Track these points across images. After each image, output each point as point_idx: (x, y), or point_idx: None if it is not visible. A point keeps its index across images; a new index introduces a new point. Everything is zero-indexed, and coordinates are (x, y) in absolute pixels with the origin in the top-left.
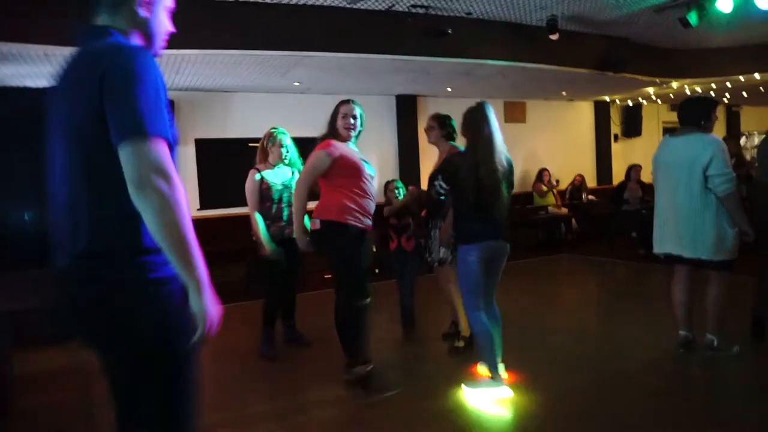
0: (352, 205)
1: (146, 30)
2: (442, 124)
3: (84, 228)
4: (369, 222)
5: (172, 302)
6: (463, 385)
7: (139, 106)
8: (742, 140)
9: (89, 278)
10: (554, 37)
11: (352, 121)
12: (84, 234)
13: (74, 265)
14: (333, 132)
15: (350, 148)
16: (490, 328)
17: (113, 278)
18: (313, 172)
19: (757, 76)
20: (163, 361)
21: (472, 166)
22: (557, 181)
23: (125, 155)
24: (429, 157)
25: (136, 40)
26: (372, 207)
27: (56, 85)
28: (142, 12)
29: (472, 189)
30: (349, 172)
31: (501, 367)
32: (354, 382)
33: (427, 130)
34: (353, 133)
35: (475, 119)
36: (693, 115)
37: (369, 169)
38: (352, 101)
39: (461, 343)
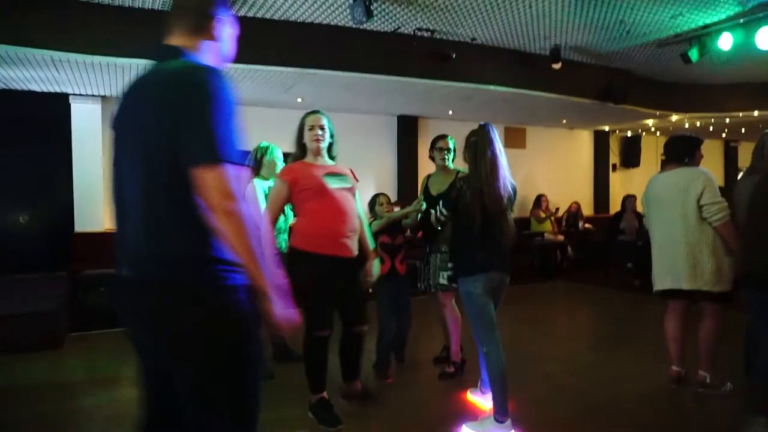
0: (315, 231)
1: (216, 53)
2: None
3: (161, 238)
4: (348, 244)
5: (241, 308)
6: (464, 426)
7: (213, 132)
8: (740, 176)
9: (163, 286)
10: (557, 66)
11: (319, 132)
12: (160, 243)
13: (147, 273)
14: (302, 148)
15: (316, 165)
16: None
17: (187, 285)
18: (272, 203)
19: (755, 113)
20: (233, 365)
21: (477, 191)
22: (557, 209)
23: (198, 179)
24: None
25: (207, 61)
26: (350, 226)
27: (127, 100)
28: (215, 36)
29: (477, 216)
30: (310, 194)
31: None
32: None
33: (448, 151)
34: (323, 145)
35: (478, 142)
36: (678, 153)
37: (338, 183)
38: (318, 111)
39: (451, 369)
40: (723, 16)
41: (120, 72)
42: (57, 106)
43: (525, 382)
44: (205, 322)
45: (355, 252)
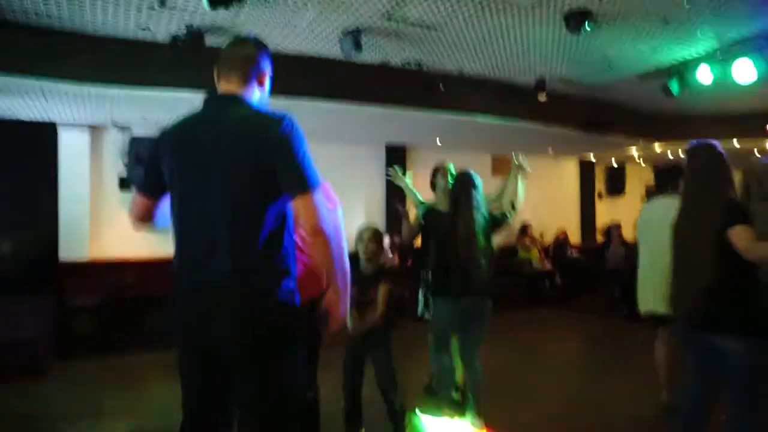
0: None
1: (263, 99)
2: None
3: (246, 254)
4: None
5: (302, 316)
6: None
7: (305, 168)
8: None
9: (246, 295)
10: (542, 97)
11: None
12: (246, 259)
13: (231, 284)
14: None
15: None
16: (449, 371)
17: (266, 294)
18: None
19: (735, 143)
20: (297, 370)
21: (450, 216)
22: (541, 237)
23: (301, 206)
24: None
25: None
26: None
27: (199, 140)
28: (264, 84)
29: (448, 239)
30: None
31: (476, 421)
32: None
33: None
34: None
35: (456, 189)
36: (662, 182)
37: None
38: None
39: (457, 396)
40: (701, 51)
41: (109, 102)
42: (45, 135)
43: (516, 410)
44: (281, 326)
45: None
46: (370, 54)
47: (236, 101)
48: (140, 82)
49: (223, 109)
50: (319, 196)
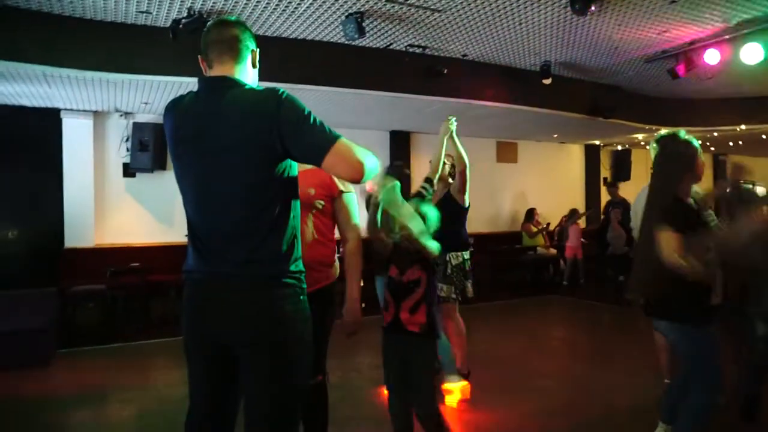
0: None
1: (254, 79)
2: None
3: (257, 239)
4: (319, 275)
5: (305, 303)
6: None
7: (320, 126)
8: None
9: (260, 281)
10: (547, 81)
11: None
12: (257, 244)
13: (237, 269)
14: None
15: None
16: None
17: (276, 280)
18: None
19: (742, 127)
20: (303, 358)
21: None
22: (548, 224)
23: (333, 162)
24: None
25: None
26: (314, 255)
27: (200, 122)
28: (255, 63)
29: None
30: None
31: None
32: None
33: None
34: None
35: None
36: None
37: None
38: None
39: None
40: (709, 33)
41: (112, 87)
42: (48, 121)
43: (519, 397)
44: (289, 313)
45: (309, 288)
46: (373, 38)
47: (232, 83)
48: (141, 68)
49: (220, 93)
50: (347, 143)
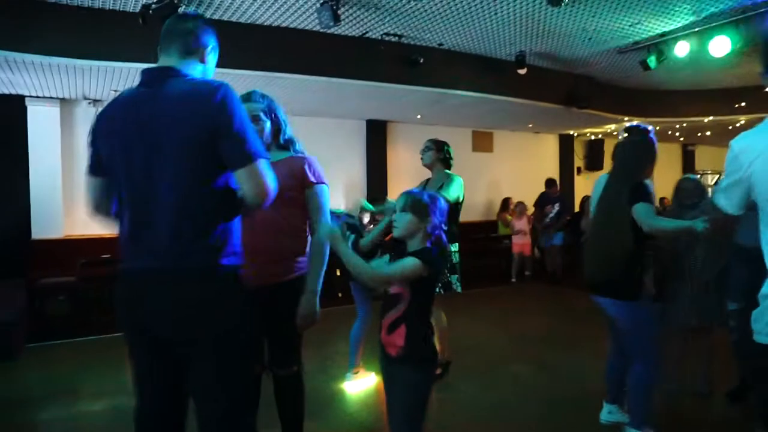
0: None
1: (203, 74)
2: (439, 148)
3: (192, 231)
4: (255, 268)
5: (246, 298)
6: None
7: (248, 136)
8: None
9: (192, 275)
10: (522, 71)
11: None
12: (192, 237)
13: (177, 263)
14: None
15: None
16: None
17: (206, 271)
18: None
19: (710, 118)
20: (246, 350)
21: None
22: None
23: (245, 177)
24: (397, 182)
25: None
26: (253, 245)
27: (134, 113)
28: (204, 60)
29: None
30: None
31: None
32: None
33: (423, 150)
34: (264, 139)
35: None
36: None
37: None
38: (250, 97)
39: (438, 370)
40: (679, 25)
41: (80, 74)
42: (12, 109)
43: (492, 383)
44: (222, 308)
45: (277, 278)
46: (349, 26)
47: (172, 73)
48: (110, 54)
49: (158, 83)
50: (265, 166)
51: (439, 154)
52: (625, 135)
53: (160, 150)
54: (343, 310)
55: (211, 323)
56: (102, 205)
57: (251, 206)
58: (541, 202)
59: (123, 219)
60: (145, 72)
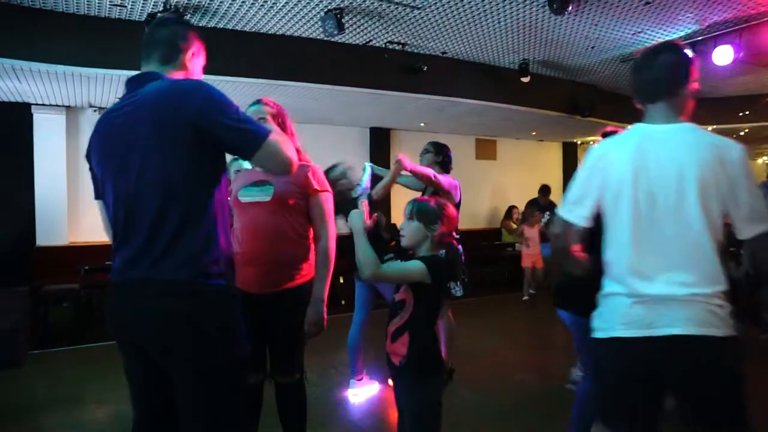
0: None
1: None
2: (438, 151)
3: (177, 242)
4: (252, 276)
5: (235, 308)
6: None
7: (246, 121)
8: None
9: (174, 286)
10: (525, 79)
11: None
12: (176, 247)
13: (158, 274)
14: None
15: (251, 171)
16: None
17: (193, 286)
18: None
19: (714, 126)
20: (230, 362)
21: None
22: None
23: (262, 158)
24: (401, 190)
25: None
26: (251, 252)
27: (120, 120)
28: (187, 67)
29: None
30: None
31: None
32: None
33: (422, 153)
34: None
35: None
36: None
37: (251, 195)
38: (257, 102)
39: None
40: (682, 34)
41: (85, 82)
42: (18, 117)
43: (499, 391)
44: (206, 316)
45: (279, 286)
46: (353, 34)
47: (152, 76)
48: (115, 62)
49: (138, 86)
50: (273, 140)
51: (437, 158)
52: (602, 137)
53: (138, 153)
54: (346, 318)
55: (183, 336)
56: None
57: (281, 174)
58: (510, 211)
59: (110, 230)
60: (127, 81)
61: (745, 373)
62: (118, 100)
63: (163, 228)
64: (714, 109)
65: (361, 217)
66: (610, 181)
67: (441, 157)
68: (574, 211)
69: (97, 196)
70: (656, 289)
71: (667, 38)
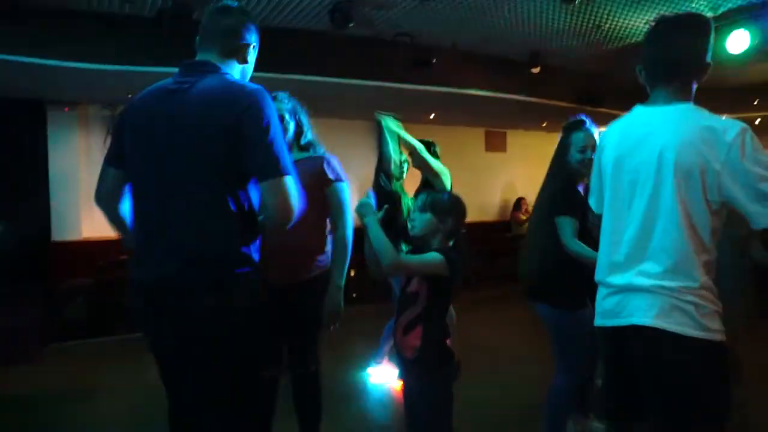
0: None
1: (243, 75)
2: (426, 148)
3: (206, 242)
4: (278, 265)
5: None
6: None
7: (276, 146)
8: None
9: (206, 284)
10: (536, 70)
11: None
12: (206, 246)
13: (188, 274)
14: None
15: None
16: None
17: (225, 285)
18: None
19: (727, 115)
20: (250, 360)
21: None
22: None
23: (268, 191)
24: (409, 184)
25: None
26: (275, 243)
27: (163, 105)
28: (245, 59)
29: None
30: None
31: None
32: None
33: (411, 153)
34: (286, 139)
35: None
36: None
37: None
38: (277, 96)
39: None
40: None
41: (96, 79)
42: (32, 114)
43: (516, 383)
44: (235, 318)
45: (296, 277)
46: (361, 27)
47: (210, 69)
48: (125, 60)
49: (191, 80)
50: (292, 184)
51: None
52: (564, 129)
53: (179, 149)
54: (357, 310)
55: (203, 336)
56: (111, 198)
57: (273, 225)
58: (518, 203)
59: (134, 223)
60: (182, 65)
61: (721, 392)
62: (163, 80)
63: (194, 232)
64: (728, 98)
65: (370, 207)
66: (603, 170)
67: (430, 153)
68: (590, 200)
69: (111, 162)
70: (625, 279)
71: None
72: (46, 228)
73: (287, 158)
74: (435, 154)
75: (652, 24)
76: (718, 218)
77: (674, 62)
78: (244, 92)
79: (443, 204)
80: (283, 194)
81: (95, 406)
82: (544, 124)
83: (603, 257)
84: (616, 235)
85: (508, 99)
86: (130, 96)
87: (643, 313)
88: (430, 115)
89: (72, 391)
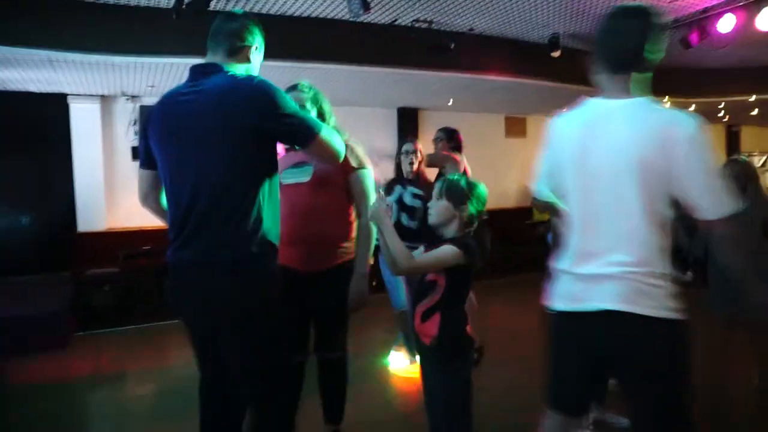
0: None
1: (247, 72)
2: (450, 137)
3: (229, 225)
4: (295, 253)
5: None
6: None
7: (298, 116)
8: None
9: (219, 267)
10: (556, 54)
11: None
12: (229, 230)
13: (203, 256)
14: None
15: (293, 152)
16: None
17: (246, 265)
18: None
19: (753, 98)
20: (274, 336)
21: None
22: None
23: (313, 151)
24: (429, 171)
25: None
26: (294, 231)
27: (180, 107)
28: (250, 60)
29: None
30: None
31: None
32: None
33: (436, 140)
34: None
35: None
36: None
37: (293, 177)
38: (297, 86)
39: (475, 355)
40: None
41: (118, 71)
42: (55, 107)
43: (538, 369)
44: (250, 296)
45: (322, 264)
46: (378, 13)
47: (215, 69)
48: (146, 50)
49: (203, 78)
50: (326, 135)
51: (450, 143)
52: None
53: (198, 144)
54: (376, 298)
55: (231, 312)
56: (149, 196)
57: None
58: None
59: (168, 212)
60: (191, 68)
61: (687, 362)
62: (177, 85)
63: (219, 212)
64: (722, 79)
65: (383, 210)
66: (561, 161)
67: (453, 142)
68: (536, 185)
69: (143, 165)
70: (592, 269)
71: (707, 4)
72: (72, 219)
73: (310, 118)
74: (459, 142)
75: (607, 13)
76: (673, 209)
77: (622, 50)
78: (251, 84)
79: (459, 190)
80: (325, 149)
81: (123, 390)
82: (565, 109)
83: (569, 248)
84: (583, 226)
85: (528, 84)
86: (151, 87)
87: (611, 299)
88: (449, 101)
89: (100, 376)
